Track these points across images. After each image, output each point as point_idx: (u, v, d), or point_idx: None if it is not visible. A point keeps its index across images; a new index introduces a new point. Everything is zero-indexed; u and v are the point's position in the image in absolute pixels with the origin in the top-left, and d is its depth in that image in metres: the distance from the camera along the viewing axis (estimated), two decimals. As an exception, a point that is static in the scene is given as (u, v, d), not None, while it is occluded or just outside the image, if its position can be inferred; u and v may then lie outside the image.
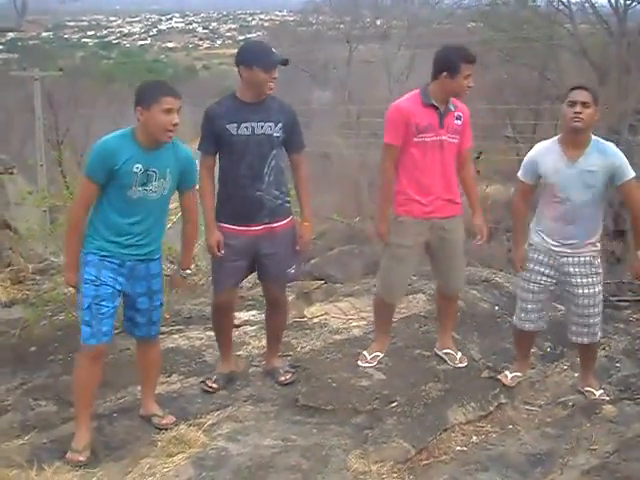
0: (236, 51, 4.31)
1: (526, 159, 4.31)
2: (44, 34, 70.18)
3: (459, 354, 4.75)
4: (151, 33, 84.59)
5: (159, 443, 3.86)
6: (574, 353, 4.70)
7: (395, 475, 3.69)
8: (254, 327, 5.39)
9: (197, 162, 4.09)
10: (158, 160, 3.72)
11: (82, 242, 3.77)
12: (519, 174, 4.34)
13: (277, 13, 79.76)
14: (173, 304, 5.59)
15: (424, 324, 5.32)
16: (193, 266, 6.08)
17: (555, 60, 24.97)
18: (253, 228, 4.24)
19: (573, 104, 4.06)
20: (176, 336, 5.35)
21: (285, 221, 4.33)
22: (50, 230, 6.78)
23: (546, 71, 24.75)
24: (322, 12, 45.14)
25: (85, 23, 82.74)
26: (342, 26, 42.40)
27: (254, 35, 64.94)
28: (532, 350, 4.80)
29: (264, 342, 4.76)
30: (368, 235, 6.49)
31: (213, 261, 4.34)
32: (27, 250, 8.11)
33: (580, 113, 4.03)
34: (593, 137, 4.16)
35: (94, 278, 3.71)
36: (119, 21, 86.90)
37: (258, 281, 4.74)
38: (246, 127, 4.15)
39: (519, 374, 4.59)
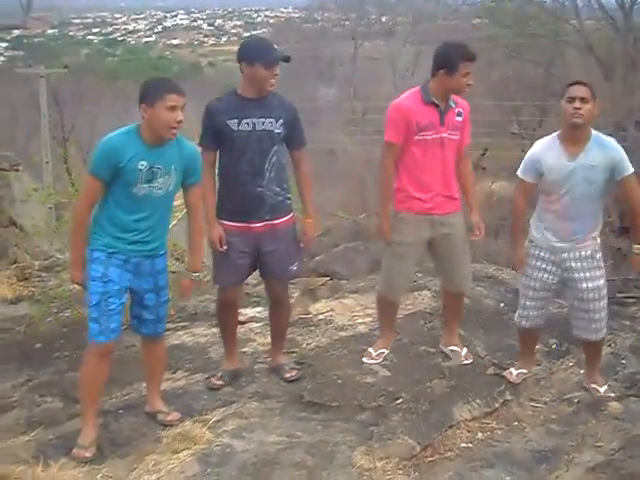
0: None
1: (527, 157, 4.29)
2: (49, 31, 70.32)
3: (464, 351, 4.75)
4: (156, 30, 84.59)
5: (164, 440, 3.87)
6: (580, 350, 4.69)
7: (400, 472, 3.69)
8: (259, 324, 5.40)
9: None
10: (163, 157, 3.72)
11: (87, 239, 3.78)
12: (520, 173, 4.32)
13: (282, 10, 79.79)
14: (178, 301, 5.59)
15: (429, 321, 5.32)
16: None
17: (561, 56, 24.93)
18: (254, 225, 4.24)
19: (572, 100, 4.05)
20: (181, 333, 5.36)
21: (286, 218, 4.33)
22: (56, 227, 6.78)
23: (552, 67, 24.71)
24: (327, 9, 45.21)
25: (90, 20, 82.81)
26: (347, 23, 42.46)
27: (259, 32, 64.97)
28: (537, 347, 4.80)
29: (269, 339, 4.76)
30: (370, 233, 6.48)
31: (214, 258, 4.34)
32: (33, 247, 8.14)
33: (580, 109, 4.02)
34: (593, 132, 4.16)
35: (101, 275, 3.71)
36: (124, 18, 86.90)
37: (261, 278, 4.73)
38: (247, 123, 4.15)
39: (524, 371, 4.58)
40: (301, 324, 5.41)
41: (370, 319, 5.35)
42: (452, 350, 4.74)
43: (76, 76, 33.15)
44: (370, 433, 3.96)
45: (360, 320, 5.46)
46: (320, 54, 39.84)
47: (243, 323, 5.38)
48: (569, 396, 4.41)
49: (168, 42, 79.70)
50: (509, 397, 4.40)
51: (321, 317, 5.58)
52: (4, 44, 61.46)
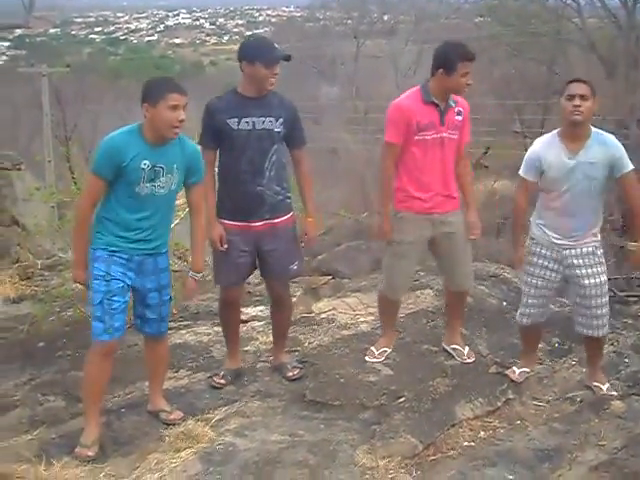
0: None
1: (528, 156, 4.28)
2: (51, 30, 70.33)
3: (467, 349, 4.75)
4: (158, 29, 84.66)
5: (167, 438, 3.87)
6: (582, 348, 4.68)
7: (403, 470, 3.69)
8: (262, 322, 5.40)
9: None
10: (165, 156, 3.73)
11: (90, 238, 3.78)
12: (521, 172, 4.31)
13: (284, 9, 79.75)
14: (181, 300, 5.59)
15: (432, 319, 5.32)
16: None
17: (563, 54, 24.91)
18: (254, 224, 4.24)
19: (571, 97, 4.05)
20: (184, 332, 5.36)
21: (286, 217, 4.32)
22: (58, 226, 6.79)
23: (554, 65, 24.69)
24: (329, 8, 45.20)
25: (92, 19, 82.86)
26: (349, 22, 42.45)
27: (261, 31, 65.00)
28: (540, 345, 4.80)
29: (271, 337, 4.76)
30: (371, 233, 6.48)
31: (215, 257, 4.34)
32: (35, 246, 8.15)
33: (579, 106, 4.03)
34: (593, 129, 4.16)
35: (104, 273, 3.72)
36: (126, 17, 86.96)
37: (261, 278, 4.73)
38: (247, 122, 4.15)
39: (527, 369, 4.58)
40: (303, 323, 5.41)
41: (372, 318, 5.35)
42: (454, 349, 4.74)
43: (78, 75, 33.18)
44: (372, 432, 3.96)
45: (362, 319, 5.46)
46: (322, 53, 39.81)
47: (245, 322, 5.38)
48: (572, 395, 4.40)
49: (170, 41, 79.77)
50: (511, 396, 4.40)
51: (323, 316, 5.58)
52: (6, 43, 61.55)
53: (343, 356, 4.78)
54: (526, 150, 4.37)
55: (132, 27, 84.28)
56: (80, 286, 4.26)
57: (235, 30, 79.74)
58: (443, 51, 4.37)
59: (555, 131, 4.25)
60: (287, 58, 4.19)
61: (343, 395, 4.26)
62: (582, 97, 4.03)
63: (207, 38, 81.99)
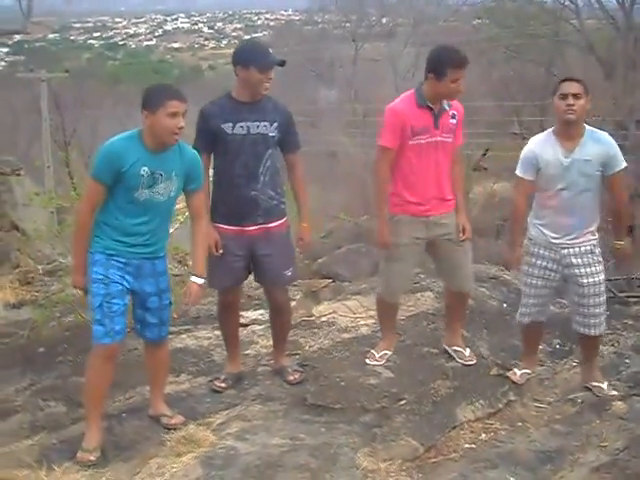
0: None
1: (523, 155, 4.29)
2: (50, 36, 70.45)
3: (468, 351, 4.74)
4: (157, 34, 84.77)
5: (168, 443, 3.86)
6: (582, 349, 4.68)
7: (404, 473, 3.68)
8: (262, 326, 5.40)
9: None
10: (164, 163, 3.73)
11: (90, 243, 3.78)
12: (518, 172, 4.32)
13: (283, 12, 79.87)
14: (183, 305, 5.59)
15: (432, 322, 5.32)
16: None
17: (561, 56, 24.92)
18: (247, 228, 4.24)
19: (565, 97, 4.07)
20: (184, 336, 5.36)
21: (280, 222, 4.32)
22: (58, 231, 6.79)
23: (553, 67, 24.68)
24: (328, 11, 45.20)
25: (91, 24, 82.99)
26: (348, 25, 42.45)
27: (260, 34, 65.08)
28: (541, 347, 4.80)
29: (272, 341, 4.76)
30: (371, 237, 6.49)
31: (209, 261, 4.32)
32: (35, 251, 8.15)
33: (573, 105, 4.05)
34: (587, 127, 4.18)
35: (102, 277, 3.72)
36: (125, 22, 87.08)
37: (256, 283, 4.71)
38: (241, 127, 4.15)
39: (528, 371, 4.58)
40: (304, 326, 5.41)
41: (372, 321, 5.35)
42: (455, 350, 4.74)
43: (77, 80, 33.22)
44: (373, 435, 3.95)
45: (363, 322, 5.46)
46: (320, 56, 39.85)
47: (245, 326, 5.39)
48: (573, 396, 4.40)
49: (169, 45, 79.88)
50: (513, 398, 4.40)
51: (324, 319, 5.57)
52: (5, 49, 61.67)
53: (344, 359, 4.78)
54: (524, 151, 4.37)
55: (131, 32, 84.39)
56: (80, 291, 4.26)
57: (234, 34, 79.85)
58: (434, 56, 4.35)
59: (550, 130, 4.28)
60: (281, 63, 4.19)
61: (344, 398, 4.26)
62: (575, 96, 4.05)
63: (206, 42, 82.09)
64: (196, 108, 4.30)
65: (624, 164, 4.19)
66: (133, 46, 79.30)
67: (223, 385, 4.44)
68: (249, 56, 4.14)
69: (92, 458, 3.70)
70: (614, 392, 4.38)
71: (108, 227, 3.75)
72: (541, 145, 4.24)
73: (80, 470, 3.64)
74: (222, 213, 4.23)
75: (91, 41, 78.53)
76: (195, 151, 3.93)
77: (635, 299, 6.01)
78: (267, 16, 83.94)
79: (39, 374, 4.82)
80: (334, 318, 5.58)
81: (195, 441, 3.84)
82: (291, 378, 4.50)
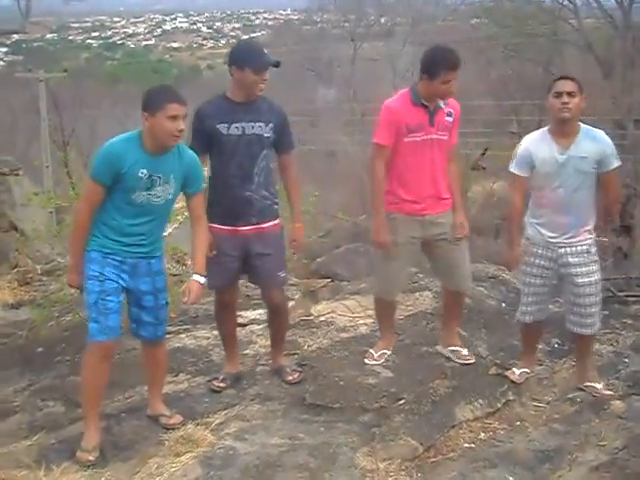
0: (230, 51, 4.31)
1: (519, 152, 4.30)
2: (48, 36, 70.43)
3: (465, 350, 4.74)
4: (155, 33, 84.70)
5: (167, 443, 3.86)
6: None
7: (403, 473, 3.68)
8: (260, 326, 5.39)
9: None
10: (163, 166, 3.73)
11: (87, 243, 3.78)
12: (512, 168, 4.32)
13: (281, 12, 79.85)
14: (182, 304, 5.59)
15: (431, 321, 5.32)
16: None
17: (560, 55, 24.91)
18: (241, 228, 4.24)
19: (559, 95, 4.09)
20: (183, 335, 5.36)
21: (274, 222, 4.32)
22: (56, 231, 6.79)
23: (551, 66, 24.66)
24: (326, 10, 45.17)
25: (89, 24, 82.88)
26: (346, 24, 42.42)
27: (258, 34, 65.07)
28: (539, 346, 4.80)
29: (270, 341, 4.76)
30: (369, 236, 6.50)
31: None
32: (34, 251, 8.13)
33: (568, 103, 4.06)
34: (582, 125, 4.20)
35: (98, 274, 3.73)
36: (123, 22, 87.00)
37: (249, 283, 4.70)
38: (237, 127, 4.15)
39: (527, 370, 4.58)
40: (302, 326, 5.41)
41: (371, 320, 5.35)
42: (453, 350, 4.73)
43: (76, 80, 33.17)
44: (372, 434, 3.95)
45: (361, 321, 5.46)
46: (319, 56, 39.83)
47: (244, 325, 5.39)
48: (572, 395, 4.40)
49: (167, 45, 79.83)
50: (511, 397, 4.40)
51: (322, 319, 5.58)
52: (3, 49, 61.60)
53: (342, 359, 4.78)
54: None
55: (129, 31, 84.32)
56: (77, 291, 4.25)
57: (232, 34, 79.76)
58: (428, 56, 4.36)
59: (545, 128, 4.29)
60: (276, 64, 4.19)
61: (343, 398, 4.26)
62: (569, 94, 4.07)
63: (204, 42, 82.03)
64: (195, 108, 4.29)
65: (618, 162, 4.21)
66: (132, 46, 79.24)
67: (222, 385, 4.44)
68: (244, 57, 4.13)
69: (91, 458, 3.70)
70: (608, 392, 4.38)
71: (105, 226, 3.75)
72: (536, 143, 4.25)
73: (79, 470, 3.64)
74: (216, 213, 4.22)
75: (89, 41, 78.43)
76: (194, 153, 3.92)
77: (634, 298, 6.01)
78: (265, 15, 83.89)
79: (38, 374, 4.82)
80: (333, 318, 5.58)
81: (194, 441, 3.84)
82: (290, 378, 4.49)
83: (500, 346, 5.00)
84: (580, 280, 4.25)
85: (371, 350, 4.77)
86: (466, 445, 3.96)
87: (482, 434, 4.07)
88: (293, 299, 6.03)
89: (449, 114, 4.45)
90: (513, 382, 4.50)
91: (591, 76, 19.75)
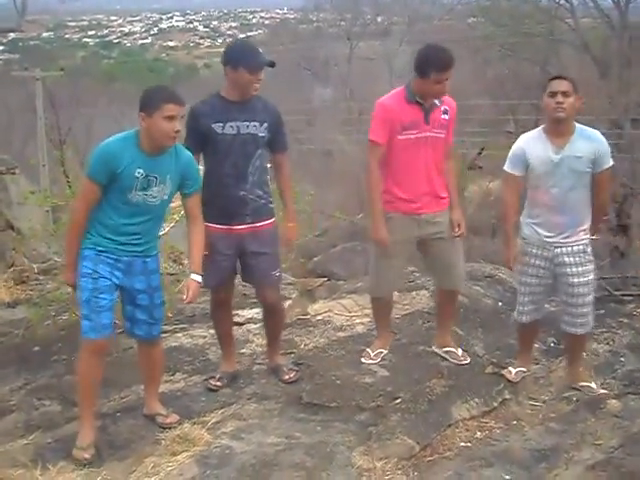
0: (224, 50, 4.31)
1: (513, 151, 4.31)
2: (45, 34, 70.38)
3: (460, 351, 4.74)
4: (152, 32, 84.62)
5: (163, 442, 3.86)
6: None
7: (399, 471, 3.69)
8: (257, 325, 5.39)
9: None
10: (159, 166, 3.73)
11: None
12: (506, 167, 4.32)
13: (278, 11, 79.84)
14: (176, 302, 5.58)
15: (427, 320, 5.32)
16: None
17: (557, 55, 24.91)
18: (236, 227, 4.24)
19: (554, 94, 4.09)
20: (179, 334, 5.35)
21: (269, 221, 4.32)
22: (53, 230, 6.77)
23: (548, 66, 24.66)
24: (323, 10, 45.18)
25: (86, 23, 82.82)
26: (343, 23, 42.42)
27: (255, 33, 65.06)
28: (536, 345, 4.80)
29: (266, 340, 4.76)
30: (367, 234, 6.51)
31: None
32: (30, 250, 8.11)
33: (562, 103, 4.07)
34: (577, 125, 4.20)
35: (91, 271, 3.73)
36: (120, 20, 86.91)
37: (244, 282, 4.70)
38: (231, 126, 4.14)
39: (523, 369, 4.58)
40: (299, 325, 5.41)
41: (368, 319, 5.35)
42: (447, 351, 4.73)
43: (72, 79, 33.15)
44: (369, 433, 3.95)
45: (358, 320, 5.46)
46: (315, 55, 39.84)
47: (241, 324, 5.38)
48: (568, 394, 4.41)
49: (164, 44, 79.78)
50: (508, 396, 4.40)
51: (319, 318, 5.57)
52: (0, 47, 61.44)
53: (339, 358, 4.78)
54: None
55: (126, 30, 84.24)
56: (72, 289, 4.25)
57: (229, 32, 79.66)
58: (420, 55, 4.35)
59: (540, 127, 4.30)
60: (271, 64, 4.19)
61: (339, 397, 4.26)
62: (564, 94, 4.08)
63: (201, 41, 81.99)
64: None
65: (611, 162, 4.22)
66: (128, 44, 79.17)
67: (218, 384, 4.44)
68: (238, 57, 4.13)
69: (87, 456, 3.70)
70: (602, 390, 4.39)
71: (100, 225, 3.75)
72: (531, 142, 4.26)
73: (75, 469, 3.64)
74: (211, 212, 4.21)
75: (86, 39, 78.38)
76: (191, 154, 3.92)
77: (630, 297, 6.02)
78: (262, 14, 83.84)
79: (34, 373, 4.81)
80: (329, 317, 5.58)
81: (190, 440, 3.84)
82: (286, 377, 4.49)
83: (496, 345, 5.00)
84: (575, 280, 4.25)
85: (368, 349, 4.77)
86: (462, 444, 3.97)
87: (478, 433, 4.07)
88: (290, 298, 6.03)
89: (445, 112, 4.44)
90: (509, 381, 4.50)
91: (588, 76, 19.77)
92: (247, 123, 4.16)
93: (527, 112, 23.78)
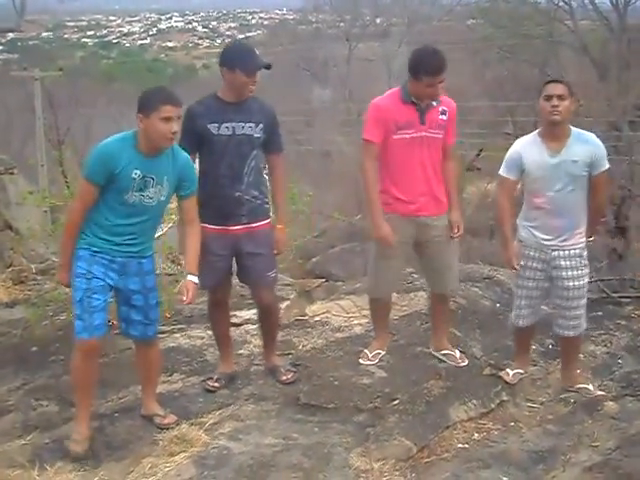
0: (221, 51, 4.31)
1: (508, 155, 4.32)
2: (44, 34, 70.28)
3: (458, 353, 4.74)
4: (151, 32, 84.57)
5: (161, 442, 3.86)
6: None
7: (397, 473, 3.69)
8: (255, 326, 5.37)
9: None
10: (157, 167, 3.73)
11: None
12: (502, 171, 4.33)
13: (277, 12, 79.77)
14: (174, 303, 5.58)
15: (425, 322, 5.31)
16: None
17: (555, 56, 24.92)
18: (231, 227, 4.24)
19: (549, 98, 4.11)
20: (177, 335, 5.35)
21: (264, 222, 4.33)
22: (51, 230, 6.77)
23: (547, 67, 24.68)
24: (322, 10, 45.13)
25: (84, 23, 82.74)
26: (342, 24, 42.39)
27: (254, 34, 65.07)
28: (533, 347, 4.81)
29: (262, 341, 4.76)
30: (366, 235, 6.51)
31: None
32: (28, 250, 8.11)
33: (557, 106, 4.08)
34: (573, 128, 4.21)
35: (85, 272, 3.73)
36: (119, 21, 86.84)
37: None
38: (227, 127, 4.15)
39: (521, 371, 4.58)
40: (297, 326, 5.41)
41: (366, 320, 5.35)
42: (445, 354, 4.73)
43: (71, 79, 33.11)
44: (367, 434, 3.96)
45: (356, 321, 5.46)
46: (314, 56, 39.81)
47: (239, 325, 5.38)
48: (565, 396, 4.41)
49: (163, 44, 79.73)
50: (505, 397, 4.40)
51: (317, 319, 5.57)
52: (-1, 47, 61.41)
53: (337, 359, 4.78)
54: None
55: (124, 30, 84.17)
56: (67, 289, 4.25)
57: (228, 33, 79.58)
58: (413, 58, 4.34)
59: (536, 131, 4.31)
60: (267, 66, 4.20)
61: (337, 398, 4.26)
62: (560, 97, 4.09)
63: (200, 41, 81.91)
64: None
65: (607, 165, 4.23)
66: (127, 45, 79.13)
67: (216, 385, 4.44)
68: (235, 58, 4.14)
69: (79, 449, 3.72)
70: (599, 392, 4.39)
71: (96, 226, 3.75)
72: (526, 146, 4.27)
73: (72, 470, 3.64)
74: (206, 213, 4.20)
75: (85, 40, 78.30)
76: (188, 155, 3.92)
77: (628, 300, 6.03)
78: (261, 15, 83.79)
79: (32, 373, 4.81)
80: (327, 318, 5.58)
81: (188, 441, 3.84)
82: (284, 378, 4.49)
83: (494, 347, 5.00)
84: (570, 284, 4.26)
85: (366, 350, 4.77)
86: (460, 445, 3.97)
87: (476, 434, 4.08)
88: (288, 299, 6.03)
89: (443, 112, 4.44)
90: (507, 383, 4.51)
91: (586, 78, 19.80)
92: (243, 124, 4.16)
93: (526, 114, 23.79)
